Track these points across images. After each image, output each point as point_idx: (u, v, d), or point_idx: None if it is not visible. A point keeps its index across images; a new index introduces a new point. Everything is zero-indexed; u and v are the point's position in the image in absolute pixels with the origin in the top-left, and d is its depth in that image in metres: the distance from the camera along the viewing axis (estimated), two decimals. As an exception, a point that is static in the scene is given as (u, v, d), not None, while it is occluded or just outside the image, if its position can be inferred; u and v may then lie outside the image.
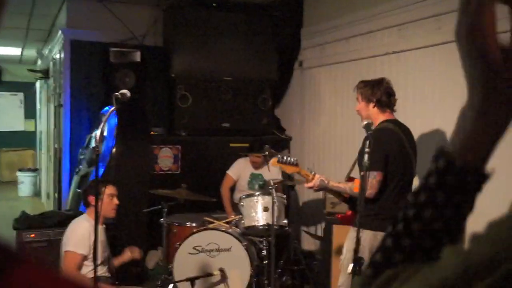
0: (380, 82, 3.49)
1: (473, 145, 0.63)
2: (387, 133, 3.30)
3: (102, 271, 3.64)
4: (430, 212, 0.65)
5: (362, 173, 2.91)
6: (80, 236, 3.53)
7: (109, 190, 3.72)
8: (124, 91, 3.17)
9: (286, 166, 3.81)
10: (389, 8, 4.83)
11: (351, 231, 3.31)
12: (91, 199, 3.60)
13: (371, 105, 3.42)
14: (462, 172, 0.63)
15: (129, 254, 3.98)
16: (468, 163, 0.63)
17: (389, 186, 3.27)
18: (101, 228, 3.61)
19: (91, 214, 3.70)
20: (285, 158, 3.82)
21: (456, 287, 0.52)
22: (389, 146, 3.23)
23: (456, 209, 0.64)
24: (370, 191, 3.18)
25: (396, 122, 3.43)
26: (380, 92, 3.42)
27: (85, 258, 3.53)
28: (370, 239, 3.19)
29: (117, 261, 3.93)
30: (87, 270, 3.58)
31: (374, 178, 3.17)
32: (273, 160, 3.89)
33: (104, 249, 3.68)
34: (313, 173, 3.60)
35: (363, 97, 3.47)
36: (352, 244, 3.21)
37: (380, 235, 3.15)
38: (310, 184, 3.55)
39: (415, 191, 0.67)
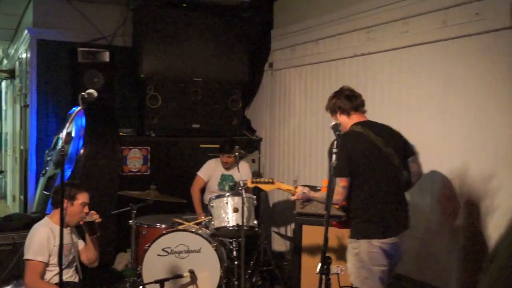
0: (338, 91, 3.53)
1: None
2: (350, 137, 3.26)
3: (68, 275, 3.57)
4: None
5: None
6: (38, 244, 3.45)
7: (83, 198, 3.64)
8: (91, 91, 3.12)
9: (262, 185, 3.85)
10: (357, 10, 4.89)
11: (351, 244, 3.26)
12: (65, 201, 3.51)
13: (338, 114, 3.45)
14: None
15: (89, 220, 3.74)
16: None
17: (366, 188, 3.23)
18: (65, 230, 3.54)
19: (54, 217, 3.64)
20: (259, 178, 3.90)
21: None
22: (353, 150, 3.18)
23: None
24: (337, 197, 3.17)
25: (366, 123, 3.40)
26: (339, 100, 3.45)
27: (46, 265, 3.45)
28: (367, 247, 3.16)
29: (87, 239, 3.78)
30: (52, 274, 3.51)
31: (338, 185, 3.16)
32: (248, 181, 3.93)
33: (69, 252, 3.61)
34: (295, 186, 3.63)
35: (330, 111, 3.52)
36: (351, 256, 3.22)
37: (375, 242, 3.15)
38: (294, 197, 3.58)
39: None
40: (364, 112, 3.50)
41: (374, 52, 4.72)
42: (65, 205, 3.46)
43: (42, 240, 3.44)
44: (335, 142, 2.92)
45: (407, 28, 4.38)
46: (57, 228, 3.35)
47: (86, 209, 3.65)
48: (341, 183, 3.17)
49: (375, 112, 4.69)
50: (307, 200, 3.63)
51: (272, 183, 3.80)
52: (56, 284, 3.45)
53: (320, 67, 5.50)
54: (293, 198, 3.61)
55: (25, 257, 3.45)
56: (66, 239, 3.56)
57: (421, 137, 4.22)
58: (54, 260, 3.48)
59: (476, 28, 3.73)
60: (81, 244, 3.80)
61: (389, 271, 3.25)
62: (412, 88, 4.32)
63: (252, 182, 3.87)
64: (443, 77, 4.02)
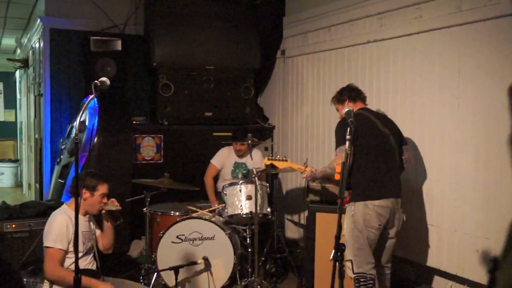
0: (346, 86, 4.04)
1: None
2: (355, 116, 3.48)
3: (86, 262, 3.61)
4: None
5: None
6: (57, 231, 3.45)
7: (103, 189, 3.64)
8: (104, 79, 3.12)
9: (277, 162, 4.24)
10: (370, -4, 4.85)
11: (348, 208, 3.66)
12: (83, 191, 3.54)
13: (345, 102, 3.89)
14: None
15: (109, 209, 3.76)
16: None
17: (364, 158, 3.61)
18: (82, 218, 3.58)
19: (72, 204, 3.65)
20: (274, 155, 4.41)
21: None
22: (356, 125, 3.36)
23: None
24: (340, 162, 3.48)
25: (367, 110, 3.88)
26: (348, 91, 3.94)
27: (65, 252, 3.46)
28: (362, 209, 3.56)
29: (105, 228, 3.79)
30: (71, 261, 3.55)
31: (342, 152, 3.44)
32: (265, 159, 4.37)
33: (87, 240, 3.65)
34: (305, 165, 4.08)
35: (337, 101, 3.98)
36: (348, 218, 3.63)
37: (370, 203, 3.56)
38: (304, 175, 4.06)
39: None
40: (366, 104, 3.97)
41: (387, 39, 4.68)
42: (85, 195, 3.52)
43: (61, 227, 3.45)
44: (348, 129, 2.95)
45: (420, 14, 4.33)
46: (75, 217, 3.38)
47: (105, 200, 3.67)
48: (339, 154, 3.61)
49: (388, 99, 4.67)
50: (315, 178, 4.14)
51: (286, 161, 4.24)
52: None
53: (333, 54, 5.47)
54: (303, 176, 4.08)
55: (45, 244, 3.48)
56: (85, 226, 3.59)
57: (434, 125, 4.20)
58: (71, 248, 3.49)
59: (490, 13, 3.68)
60: (97, 231, 3.84)
61: (382, 233, 3.66)
62: (425, 74, 4.29)
63: (268, 159, 4.30)
64: (456, 63, 3.98)
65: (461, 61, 3.94)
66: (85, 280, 3.22)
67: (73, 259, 3.48)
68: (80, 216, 3.44)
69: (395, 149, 3.76)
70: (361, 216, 3.57)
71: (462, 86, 3.94)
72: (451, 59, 4.03)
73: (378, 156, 3.66)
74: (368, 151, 3.64)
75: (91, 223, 3.78)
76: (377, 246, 3.70)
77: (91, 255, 3.68)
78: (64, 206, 3.63)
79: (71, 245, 3.44)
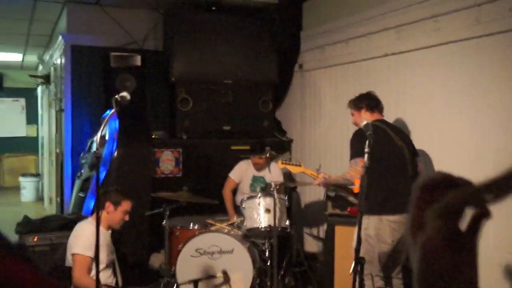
0: (365, 93, 4.00)
1: None
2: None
3: (106, 275, 3.64)
4: None
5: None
6: (87, 239, 3.52)
7: (126, 206, 3.74)
8: (124, 93, 3.18)
9: (290, 166, 4.29)
10: (387, 10, 4.86)
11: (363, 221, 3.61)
12: (108, 205, 3.63)
13: (362, 110, 3.88)
14: None
15: None
16: None
17: (380, 171, 3.54)
18: (106, 232, 3.62)
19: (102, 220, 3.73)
20: (288, 161, 4.40)
21: None
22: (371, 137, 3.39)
23: None
24: (357, 176, 3.56)
25: (383, 121, 3.86)
26: (367, 99, 3.91)
27: (93, 260, 3.52)
28: (376, 223, 3.53)
29: None
30: (94, 273, 3.59)
31: (358, 165, 3.53)
32: (279, 162, 4.39)
33: (108, 253, 3.69)
34: (318, 172, 4.08)
35: (353, 107, 3.96)
36: (361, 232, 3.48)
37: (385, 218, 3.54)
38: (316, 182, 4.02)
39: None
40: (382, 116, 3.95)
41: (404, 51, 4.68)
42: (109, 208, 3.59)
43: (90, 236, 3.48)
44: (367, 142, 2.96)
45: (438, 26, 4.33)
46: (100, 229, 3.43)
47: (126, 217, 3.75)
48: (360, 163, 3.54)
49: (406, 111, 4.65)
50: (327, 185, 4.09)
51: (299, 166, 4.26)
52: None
53: (350, 67, 5.48)
54: (315, 183, 4.04)
55: (74, 251, 3.53)
56: (108, 240, 3.67)
57: (452, 137, 4.17)
58: (100, 256, 3.53)
59: (509, 25, 3.66)
60: None
61: (394, 250, 3.61)
62: (443, 86, 4.27)
63: (282, 163, 4.34)
64: (475, 75, 3.96)
65: (480, 73, 3.92)
66: None
67: (101, 267, 3.52)
68: (104, 230, 3.49)
69: (409, 162, 3.75)
70: (374, 231, 3.55)
71: (481, 98, 3.91)
72: (469, 71, 4.01)
73: (394, 169, 3.66)
74: (384, 164, 3.62)
75: (110, 238, 3.83)
76: (388, 258, 3.69)
77: (111, 269, 3.72)
78: (89, 219, 3.71)
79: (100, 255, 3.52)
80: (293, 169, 4.29)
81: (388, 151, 3.67)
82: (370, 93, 3.98)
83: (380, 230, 3.53)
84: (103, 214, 3.64)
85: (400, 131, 3.90)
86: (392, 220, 3.55)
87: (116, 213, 3.65)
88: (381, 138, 3.62)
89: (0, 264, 0.49)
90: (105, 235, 3.58)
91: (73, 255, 3.54)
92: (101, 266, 3.49)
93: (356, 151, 3.64)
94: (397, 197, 3.60)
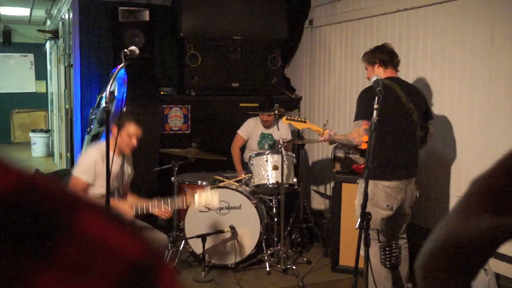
0: (381, 45, 3.77)
1: None
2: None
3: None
4: None
5: (370, 131, 2.94)
6: (86, 163, 3.50)
7: (129, 129, 3.60)
8: (133, 48, 3.16)
9: (295, 123, 4.14)
10: (401, -37, 4.73)
11: (360, 184, 3.56)
12: (114, 128, 3.53)
13: (376, 66, 3.66)
14: None
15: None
16: None
17: (382, 135, 3.41)
18: (116, 157, 3.48)
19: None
20: (294, 116, 4.22)
21: None
22: (381, 92, 3.22)
23: None
24: (358, 139, 3.48)
25: (395, 79, 3.62)
26: (381, 53, 3.66)
27: (88, 186, 3.48)
28: (372, 188, 3.38)
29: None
30: (94, 194, 3.50)
31: (360, 127, 3.44)
32: (283, 118, 4.23)
33: (114, 180, 3.57)
34: (324, 128, 3.90)
35: (367, 62, 3.73)
36: (358, 194, 3.53)
37: (380, 183, 3.46)
38: (321, 138, 3.87)
39: None
40: (397, 71, 3.73)
41: (417, 7, 4.58)
42: (114, 131, 3.50)
43: (90, 161, 3.49)
44: (376, 98, 2.93)
45: (453, -19, 4.22)
46: (111, 155, 3.29)
47: (134, 141, 3.63)
48: (363, 126, 3.46)
49: (417, 69, 4.59)
50: (332, 142, 3.94)
51: (305, 122, 4.11)
52: None
53: (362, 24, 5.38)
54: (320, 139, 3.91)
55: (72, 173, 3.56)
56: (116, 166, 3.56)
57: (465, 94, 4.13)
58: (99, 183, 3.48)
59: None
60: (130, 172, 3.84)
61: (395, 213, 3.56)
62: (456, 43, 4.19)
63: (287, 119, 4.18)
64: (489, 32, 3.87)
65: (494, 30, 3.84)
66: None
67: (96, 191, 3.46)
68: (115, 155, 3.41)
69: (417, 125, 3.61)
70: (370, 195, 3.36)
71: (495, 56, 3.84)
72: (483, 28, 3.92)
73: (397, 133, 3.52)
74: (387, 127, 3.47)
75: (126, 165, 3.77)
76: (390, 220, 3.65)
77: (114, 197, 3.63)
78: (100, 142, 3.66)
79: (98, 181, 3.46)
80: (298, 125, 4.18)
81: (392, 114, 3.49)
82: (385, 46, 3.73)
83: (374, 195, 3.44)
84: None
85: (413, 92, 3.67)
86: (388, 186, 3.49)
87: (121, 137, 3.56)
88: (387, 99, 3.40)
89: (84, 224, 0.42)
90: (116, 161, 3.44)
91: (71, 176, 3.54)
92: (101, 190, 3.43)
93: (361, 112, 3.52)
94: (397, 162, 3.51)
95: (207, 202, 3.69)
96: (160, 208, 3.65)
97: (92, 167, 3.48)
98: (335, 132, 3.87)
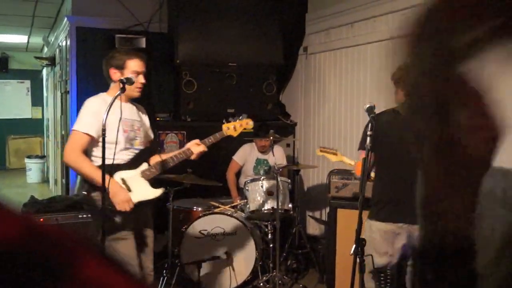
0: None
1: None
2: (382, 118, 3.19)
3: (124, 156, 3.22)
4: None
5: (364, 156, 2.95)
6: (87, 114, 3.10)
7: (133, 65, 3.22)
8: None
9: (328, 155, 4.00)
10: (393, -8, 4.83)
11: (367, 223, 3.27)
12: (112, 72, 3.20)
13: (399, 89, 3.05)
14: None
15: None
16: None
17: (381, 171, 3.25)
18: (126, 105, 3.19)
19: (110, 90, 3.29)
20: (326, 148, 4.10)
21: None
22: (379, 131, 3.05)
23: None
24: (357, 169, 3.37)
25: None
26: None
27: (91, 139, 3.08)
28: (368, 229, 3.21)
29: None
30: (101, 153, 3.00)
31: (359, 158, 3.33)
32: (317, 150, 4.10)
33: (129, 128, 3.22)
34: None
35: (395, 81, 3.05)
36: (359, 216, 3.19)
37: (374, 225, 3.22)
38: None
39: None
40: None
41: (410, 35, 4.65)
42: (115, 75, 3.16)
43: (93, 111, 3.10)
44: (369, 125, 2.94)
45: (444, 10, 4.31)
46: (111, 100, 3.00)
47: (141, 79, 3.25)
48: (360, 156, 3.29)
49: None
50: None
51: (335, 154, 3.98)
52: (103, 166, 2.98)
53: (355, 51, 5.47)
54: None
55: (72, 127, 3.17)
56: (129, 113, 3.25)
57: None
58: (108, 137, 3.02)
59: None
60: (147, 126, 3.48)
61: (395, 263, 3.24)
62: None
63: (321, 151, 4.05)
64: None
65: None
66: (100, 176, 2.89)
67: (113, 151, 3.02)
68: (123, 103, 3.14)
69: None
70: (367, 237, 3.06)
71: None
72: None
73: (397, 173, 3.13)
74: (386, 164, 3.22)
75: (141, 112, 3.41)
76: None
77: (132, 152, 3.26)
78: (102, 93, 3.29)
79: (106, 133, 2.98)
80: (331, 157, 3.96)
81: (392, 148, 3.12)
82: None
83: (371, 238, 3.13)
84: (113, 86, 3.22)
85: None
86: (383, 229, 3.18)
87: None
88: (386, 127, 3.12)
89: (86, 269, 0.43)
90: (125, 108, 3.12)
91: (71, 130, 3.18)
92: (118, 146, 3.09)
93: (360, 142, 3.34)
94: (393, 202, 3.16)
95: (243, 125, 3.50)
96: (195, 145, 3.49)
97: (94, 118, 3.07)
98: None
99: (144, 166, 3.33)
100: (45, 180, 11.34)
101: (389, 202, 3.17)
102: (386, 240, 3.18)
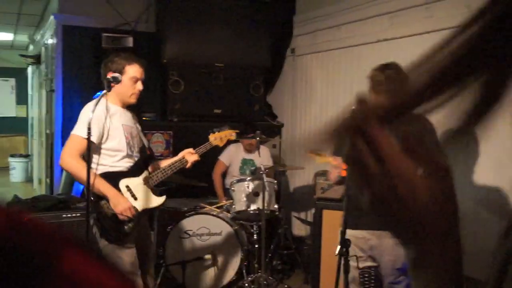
0: (382, 66, 3.37)
1: None
2: None
3: (126, 165, 3.19)
4: None
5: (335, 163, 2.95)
6: (85, 119, 3.05)
7: (132, 70, 3.19)
8: (116, 74, 3.16)
9: (315, 155, 3.78)
10: (380, -5, 4.86)
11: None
12: (110, 76, 3.14)
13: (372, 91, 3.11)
14: None
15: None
16: None
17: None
18: (121, 110, 3.18)
19: (108, 95, 3.21)
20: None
21: None
22: None
23: None
24: (331, 176, 3.23)
25: None
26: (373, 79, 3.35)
27: (90, 144, 2.99)
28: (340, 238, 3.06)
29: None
30: (105, 161, 3.06)
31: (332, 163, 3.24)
32: (308, 152, 3.89)
33: (130, 136, 3.21)
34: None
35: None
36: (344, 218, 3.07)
37: (348, 232, 3.00)
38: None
39: None
40: None
41: (397, 37, 4.69)
42: (113, 84, 3.12)
43: (88, 114, 3.05)
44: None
45: (431, 13, 4.35)
46: (113, 107, 3.05)
47: (139, 85, 3.22)
48: (334, 162, 3.23)
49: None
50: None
51: (321, 155, 3.71)
52: (104, 174, 3.03)
53: (342, 53, 5.49)
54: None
55: (72, 131, 3.14)
56: (126, 119, 3.24)
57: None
58: (110, 144, 3.08)
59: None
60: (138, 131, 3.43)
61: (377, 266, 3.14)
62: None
63: (310, 153, 3.80)
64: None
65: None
66: (101, 184, 2.94)
67: (109, 160, 3.02)
68: (119, 108, 3.16)
69: None
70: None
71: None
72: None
73: None
74: None
75: (134, 120, 3.39)
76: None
77: (134, 160, 3.23)
78: (97, 98, 3.21)
79: (109, 141, 3.01)
80: (317, 159, 3.73)
81: None
82: (387, 70, 3.17)
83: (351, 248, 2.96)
84: (110, 90, 3.17)
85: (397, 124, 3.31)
86: (356, 236, 3.06)
87: (123, 83, 3.15)
88: None
89: (70, 263, 0.43)
90: (121, 113, 3.14)
91: (71, 134, 3.13)
92: (121, 154, 3.08)
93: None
94: (357, 208, 2.91)
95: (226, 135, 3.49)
96: (190, 154, 3.45)
97: (94, 123, 3.03)
98: None
99: (146, 173, 3.32)
100: (28, 180, 11.23)
101: (356, 209, 3.01)
102: (360, 248, 3.12)
